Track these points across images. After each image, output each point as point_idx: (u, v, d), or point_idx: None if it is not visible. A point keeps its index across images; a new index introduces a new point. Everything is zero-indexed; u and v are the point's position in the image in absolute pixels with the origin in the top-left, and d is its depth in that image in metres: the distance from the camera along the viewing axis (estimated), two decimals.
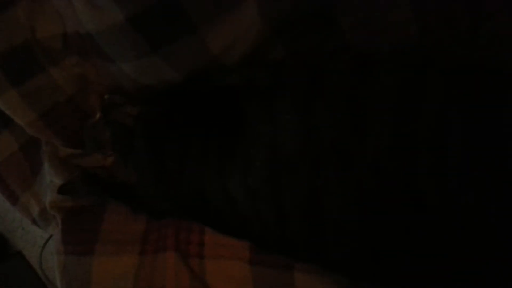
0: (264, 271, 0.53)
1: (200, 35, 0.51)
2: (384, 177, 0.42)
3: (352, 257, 0.47)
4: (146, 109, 0.61)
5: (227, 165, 0.51)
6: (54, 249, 0.66)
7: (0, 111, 0.65)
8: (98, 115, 0.64)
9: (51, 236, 0.89)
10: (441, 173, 0.40)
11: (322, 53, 0.51)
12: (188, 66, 0.55)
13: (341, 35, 0.50)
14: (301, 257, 0.51)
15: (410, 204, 0.42)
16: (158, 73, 0.56)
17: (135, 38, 0.52)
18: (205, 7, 0.49)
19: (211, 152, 0.52)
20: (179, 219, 0.61)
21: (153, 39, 0.52)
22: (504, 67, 0.42)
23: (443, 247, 0.42)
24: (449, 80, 0.42)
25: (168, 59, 0.54)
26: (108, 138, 0.62)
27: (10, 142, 0.75)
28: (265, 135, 0.48)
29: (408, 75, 0.44)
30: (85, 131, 0.64)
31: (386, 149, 0.42)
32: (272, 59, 0.53)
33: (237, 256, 0.55)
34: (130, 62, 0.56)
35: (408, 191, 0.42)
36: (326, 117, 0.46)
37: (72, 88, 0.64)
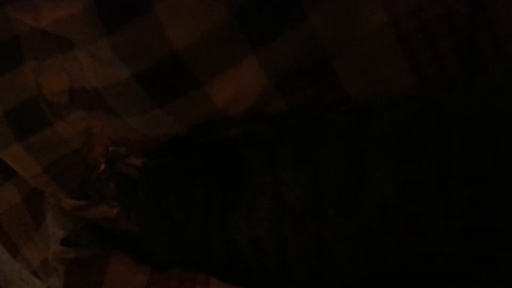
0: None
1: (204, 91, 0.52)
2: (390, 222, 0.43)
3: None
4: (150, 161, 0.62)
5: (231, 216, 0.51)
6: None
7: (4, 164, 0.66)
8: (102, 167, 0.64)
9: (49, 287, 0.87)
10: (446, 215, 0.42)
11: (321, 104, 0.53)
12: (193, 119, 0.56)
13: (340, 87, 0.51)
14: None
15: (417, 249, 0.43)
16: (163, 127, 0.57)
17: (140, 93, 0.53)
18: (208, 64, 0.51)
19: (215, 203, 0.53)
20: (183, 270, 0.61)
21: (158, 95, 0.53)
22: (500, 116, 0.44)
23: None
24: (447, 126, 0.44)
25: (173, 114, 0.55)
26: (112, 190, 0.62)
27: (12, 194, 0.75)
28: (268, 187, 0.49)
29: (406, 123, 0.46)
30: (90, 183, 0.65)
31: (389, 193, 0.43)
32: (273, 110, 0.54)
33: None
34: (136, 116, 0.57)
35: (415, 235, 0.43)
36: (327, 167, 0.47)
37: (77, 142, 0.64)
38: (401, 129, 0.45)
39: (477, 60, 0.46)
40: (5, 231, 0.77)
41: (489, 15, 0.46)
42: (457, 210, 0.41)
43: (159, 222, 0.58)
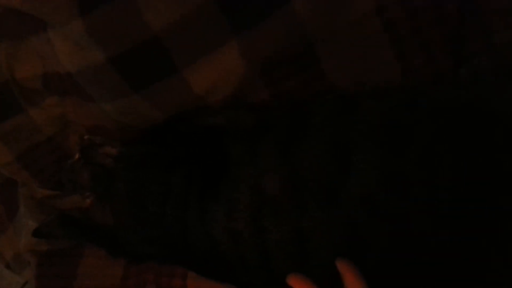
0: None
1: (182, 76, 0.51)
2: (374, 215, 0.42)
3: None
4: (126, 150, 0.60)
5: (210, 208, 0.50)
6: None
7: None
8: (76, 156, 0.62)
9: (26, 282, 0.85)
10: (433, 208, 0.41)
11: (305, 94, 0.51)
12: (171, 106, 0.54)
13: (324, 76, 0.50)
14: None
15: (401, 241, 0.42)
16: (140, 113, 0.55)
17: (116, 78, 0.51)
18: (187, 48, 0.49)
19: (193, 194, 0.51)
20: (160, 263, 0.59)
21: (134, 80, 0.52)
22: (485, 105, 0.43)
23: (434, 282, 0.42)
24: (435, 117, 0.43)
25: (150, 99, 0.53)
26: (86, 180, 0.60)
27: None
28: (249, 178, 0.48)
29: (394, 113, 0.45)
30: (63, 172, 0.63)
31: (374, 185, 0.42)
32: (255, 99, 0.53)
33: None
34: (111, 102, 0.55)
35: (399, 228, 0.42)
36: (309, 157, 0.46)
37: (51, 129, 0.63)
38: (388, 120, 0.44)
39: (465, 50, 0.46)
40: None
41: (478, 4, 0.45)
42: (444, 204, 0.40)
43: (135, 213, 0.56)
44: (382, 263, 0.43)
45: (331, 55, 0.49)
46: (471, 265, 0.41)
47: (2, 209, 0.74)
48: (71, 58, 0.53)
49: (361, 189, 0.42)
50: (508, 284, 0.41)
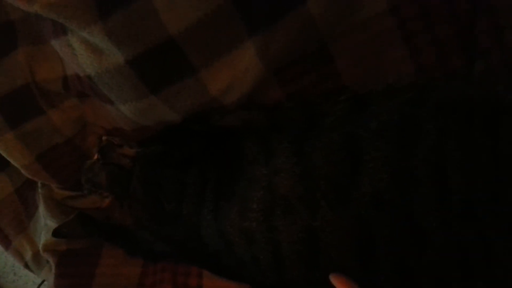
0: None
1: (199, 77, 0.52)
2: (384, 211, 0.42)
3: None
4: (143, 151, 0.61)
5: (224, 207, 0.50)
6: None
7: None
8: (95, 157, 0.63)
9: (43, 281, 0.86)
10: (441, 207, 0.40)
11: (318, 93, 0.52)
12: (187, 107, 0.55)
13: (337, 75, 0.51)
14: None
15: (411, 239, 0.42)
16: (157, 115, 0.56)
17: (134, 80, 0.52)
18: (203, 50, 0.50)
19: (208, 193, 0.52)
20: (176, 262, 0.60)
21: (152, 82, 0.53)
22: (499, 104, 0.43)
23: (443, 281, 0.42)
24: (445, 114, 0.43)
25: (167, 101, 0.54)
26: (104, 180, 0.61)
27: (5, 185, 0.75)
28: (262, 178, 0.48)
29: (403, 110, 0.45)
30: (82, 173, 0.64)
31: (385, 184, 0.42)
32: (269, 99, 0.54)
33: None
34: (129, 104, 0.56)
35: (409, 226, 0.41)
36: (322, 157, 0.46)
37: (70, 130, 0.64)
38: (398, 117, 0.44)
39: (476, 47, 0.46)
40: None
41: (489, 1, 0.45)
42: (453, 202, 0.40)
43: (152, 211, 0.57)
44: (392, 261, 0.43)
45: (344, 54, 0.49)
46: (480, 263, 0.40)
47: (22, 210, 0.75)
48: (90, 61, 0.54)
49: (372, 188, 0.42)
50: None
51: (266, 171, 0.48)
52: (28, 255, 0.76)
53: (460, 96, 0.44)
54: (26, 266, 0.79)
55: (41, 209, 0.70)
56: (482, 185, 0.40)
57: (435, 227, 0.40)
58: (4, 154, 0.64)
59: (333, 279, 0.42)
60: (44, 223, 0.70)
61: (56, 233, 0.64)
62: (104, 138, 0.64)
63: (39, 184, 0.71)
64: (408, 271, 0.43)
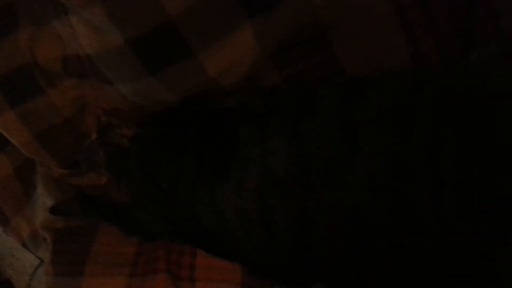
0: None
1: (197, 59, 0.52)
2: (378, 195, 0.43)
3: (342, 278, 0.46)
4: (141, 131, 0.62)
5: (219, 187, 0.51)
6: (43, 270, 0.64)
7: None
8: (93, 137, 0.64)
9: (40, 263, 0.87)
10: (436, 193, 0.41)
11: (315, 77, 0.52)
12: (185, 89, 0.56)
13: (334, 60, 0.51)
14: (289, 278, 0.51)
15: (404, 223, 0.42)
16: (155, 95, 0.57)
17: (133, 61, 0.53)
18: (202, 31, 0.50)
19: (205, 173, 0.53)
20: (171, 241, 0.60)
21: (151, 62, 0.53)
22: (495, 92, 0.43)
23: (436, 269, 0.42)
24: (441, 101, 0.43)
25: (166, 82, 0.55)
26: (102, 159, 0.62)
27: (4, 164, 0.75)
28: (257, 158, 0.49)
29: (400, 95, 0.45)
30: (81, 152, 0.64)
31: (380, 167, 0.43)
32: (266, 82, 0.54)
33: (229, 279, 0.54)
34: (128, 84, 0.57)
35: (403, 210, 0.42)
36: (317, 139, 0.46)
37: (69, 110, 0.64)
38: (394, 103, 0.45)
39: (474, 35, 0.46)
40: None
41: None
42: (447, 189, 0.40)
43: (149, 191, 0.57)
44: (383, 244, 0.43)
45: (342, 39, 0.49)
46: (475, 250, 0.40)
47: (20, 189, 0.76)
48: (90, 41, 0.54)
49: (367, 172, 0.43)
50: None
51: (261, 152, 0.49)
52: (26, 234, 0.77)
53: (456, 84, 0.45)
54: (24, 245, 0.80)
55: (39, 188, 0.71)
56: (477, 172, 0.40)
57: (429, 216, 0.41)
58: (4, 133, 0.64)
59: None
60: (42, 201, 0.71)
61: (53, 210, 0.65)
62: (103, 118, 0.64)
63: (38, 162, 0.72)
64: (399, 260, 0.43)
